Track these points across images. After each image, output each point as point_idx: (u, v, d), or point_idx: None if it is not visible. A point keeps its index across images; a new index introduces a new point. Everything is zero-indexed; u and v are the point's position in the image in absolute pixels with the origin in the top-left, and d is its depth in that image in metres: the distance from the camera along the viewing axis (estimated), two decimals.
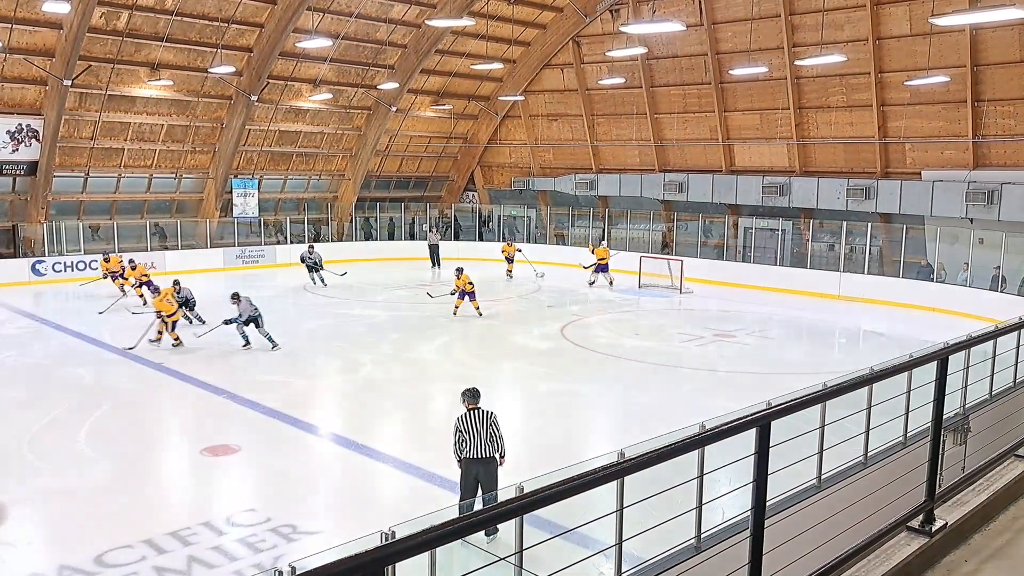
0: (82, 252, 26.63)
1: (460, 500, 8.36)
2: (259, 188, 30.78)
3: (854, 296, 24.18)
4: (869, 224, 25.09)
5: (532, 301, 23.98)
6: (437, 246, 31.11)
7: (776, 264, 27.21)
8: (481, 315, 20.16)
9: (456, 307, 20.44)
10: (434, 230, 32.56)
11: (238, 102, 27.74)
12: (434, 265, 30.43)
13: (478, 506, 2.61)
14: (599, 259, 26.50)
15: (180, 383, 14.12)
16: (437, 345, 17.49)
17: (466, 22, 25.34)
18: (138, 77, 25.69)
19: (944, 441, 5.25)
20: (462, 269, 20.71)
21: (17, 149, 24.47)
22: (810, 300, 24.30)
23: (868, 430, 5.49)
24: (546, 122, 34.05)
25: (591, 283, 26.52)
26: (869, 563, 4.41)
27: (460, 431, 8.27)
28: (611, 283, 26.29)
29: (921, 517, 5.00)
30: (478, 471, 8.20)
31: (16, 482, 9.72)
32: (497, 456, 8.26)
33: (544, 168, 34.88)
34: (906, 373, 5.21)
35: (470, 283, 20.25)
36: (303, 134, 31.00)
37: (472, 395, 8.44)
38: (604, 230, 31.92)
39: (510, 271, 28.23)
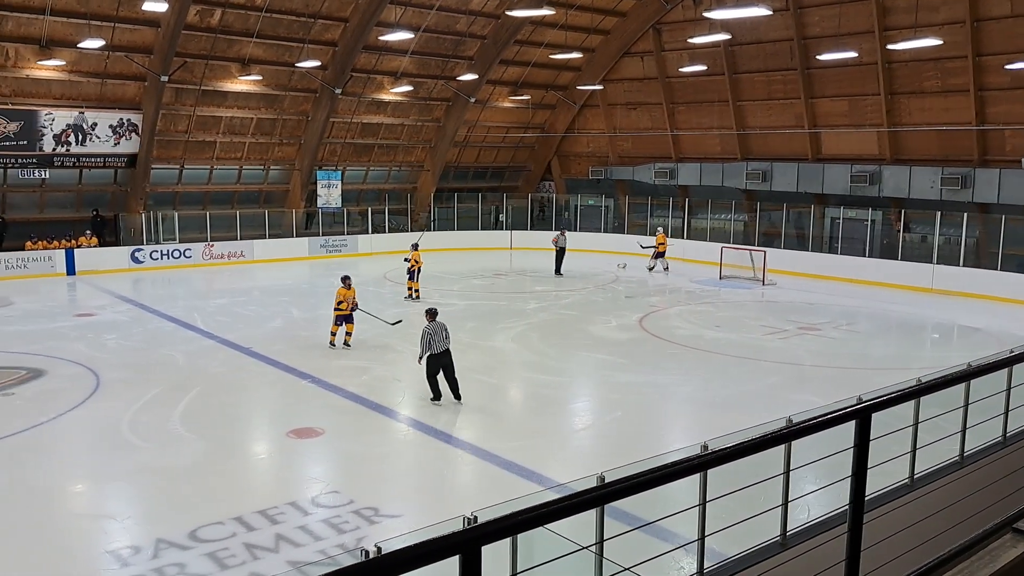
0: (177, 241, 27.75)
1: (430, 386, 12.27)
2: (342, 179, 31.47)
3: (948, 289, 23.20)
4: (965, 214, 23.98)
5: (610, 292, 23.83)
6: (564, 250, 26.65)
7: (865, 255, 26.33)
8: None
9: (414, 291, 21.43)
10: (563, 232, 27.65)
11: (323, 95, 28.40)
12: (558, 272, 26.30)
13: (558, 494, 2.62)
14: (658, 243, 27.10)
15: (268, 367, 14.59)
16: (513, 334, 17.58)
17: (545, 12, 25.26)
18: (230, 72, 26.58)
19: None
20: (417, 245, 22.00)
21: (118, 143, 25.68)
22: (901, 293, 23.42)
23: (964, 429, 5.29)
24: (625, 111, 33.70)
25: (650, 268, 27.13)
26: (972, 564, 4.24)
27: (430, 335, 12.11)
28: (666, 269, 26.82)
29: None
30: (445, 361, 12.22)
31: (117, 459, 10.24)
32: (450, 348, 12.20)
33: (622, 157, 34.56)
34: (1006, 370, 4.99)
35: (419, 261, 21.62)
36: (384, 126, 31.51)
37: (433, 313, 12.51)
38: (684, 220, 31.46)
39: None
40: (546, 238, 32.97)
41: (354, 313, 15.93)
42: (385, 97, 30.40)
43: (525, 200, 36.21)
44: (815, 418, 3.16)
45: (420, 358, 12.41)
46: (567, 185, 37.06)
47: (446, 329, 12.34)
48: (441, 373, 12.27)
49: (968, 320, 20.26)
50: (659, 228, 28.84)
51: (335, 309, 15.90)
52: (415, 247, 22.03)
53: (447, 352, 12.25)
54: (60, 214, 26.80)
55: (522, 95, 33.35)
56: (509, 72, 32.18)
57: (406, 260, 21.90)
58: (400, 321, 16.79)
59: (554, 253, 26.55)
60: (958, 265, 23.84)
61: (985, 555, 4.29)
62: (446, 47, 29.75)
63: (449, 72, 30.65)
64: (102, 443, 10.87)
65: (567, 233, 27.44)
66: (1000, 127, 23.95)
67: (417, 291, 21.60)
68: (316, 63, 26.40)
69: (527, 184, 37.71)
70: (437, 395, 12.39)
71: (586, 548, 3.52)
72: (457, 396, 12.41)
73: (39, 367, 14.27)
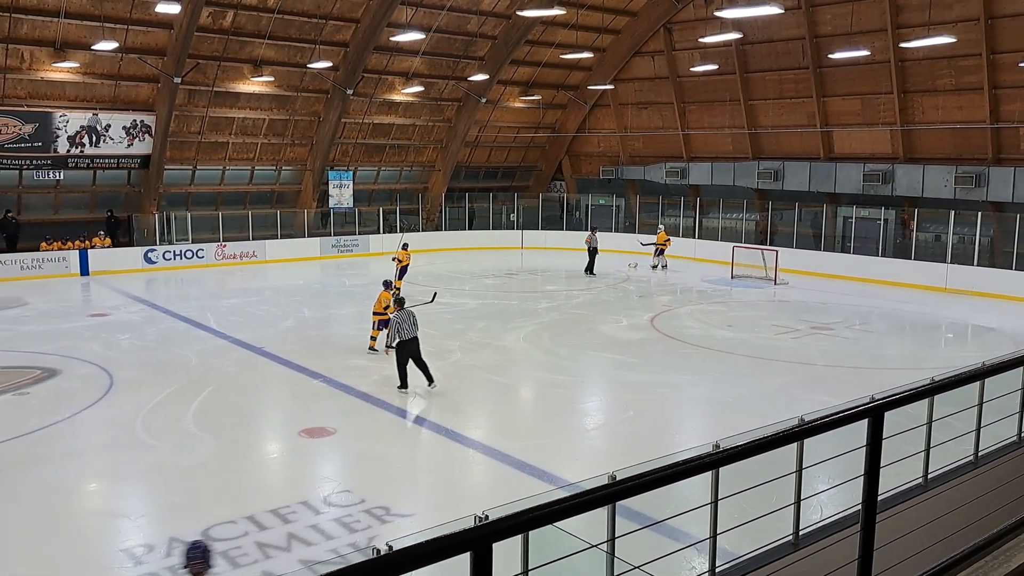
0: (190, 241, 27.90)
1: (399, 374, 12.92)
2: (354, 179, 31.56)
3: (962, 289, 23.04)
4: (979, 213, 23.81)
5: (621, 291, 23.80)
6: (596, 250, 26.54)
7: (878, 255, 26.18)
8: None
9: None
10: (595, 230, 27.65)
11: (334, 96, 28.49)
12: (588, 272, 26.23)
13: (569, 492, 2.62)
14: (659, 242, 27.28)
15: (279, 367, 14.65)
16: (525, 334, 17.58)
17: (556, 11, 25.26)
18: (242, 74, 26.71)
19: None
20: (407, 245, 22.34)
21: (132, 144, 25.85)
22: (914, 292, 23.28)
23: (979, 428, 5.26)
24: (636, 110, 33.64)
25: (653, 267, 27.32)
26: (986, 564, 4.22)
27: (399, 323, 12.80)
28: (663, 267, 27.06)
29: None
30: (414, 348, 12.87)
31: (130, 458, 10.31)
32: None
33: (633, 157, 34.50)
34: (1021, 369, 4.95)
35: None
36: (395, 126, 31.59)
37: (400, 300, 13.38)
38: (695, 219, 31.39)
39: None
40: (559, 238, 33.06)
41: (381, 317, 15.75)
42: (396, 97, 30.47)
43: (536, 200, 36.21)
44: (827, 416, 3.14)
45: (388, 346, 13.69)
46: (578, 185, 37.03)
47: (414, 316, 13.08)
48: (411, 362, 12.97)
49: (982, 320, 20.12)
50: (660, 226, 28.86)
51: (375, 313, 15.66)
52: (405, 247, 22.38)
53: (415, 339, 12.95)
54: (74, 215, 27.00)
55: (533, 95, 33.36)
56: (520, 72, 32.19)
57: (395, 260, 22.23)
58: (435, 293, 16.94)
59: (586, 253, 26.44)
60: (972, 264, 23.66)
61: (999, 555, 4.27)
62: (457, 47, 29.79)
63: (460, 72, 30.69)
64: (116, 442, 10.95)
65: (598, 233, 27.47)
66: (1015, 125, 23.77)
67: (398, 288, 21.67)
68: (327, 64, 26.49)
69: (538, 184, 37.70)
70: (404, 384, 12.96)
71: (597, 546, 3.52)
72: (430, 380, 12.98)
73: (54, 367, 14.38)
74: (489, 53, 30.37)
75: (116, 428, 11.41)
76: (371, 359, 15.27)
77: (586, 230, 32.40)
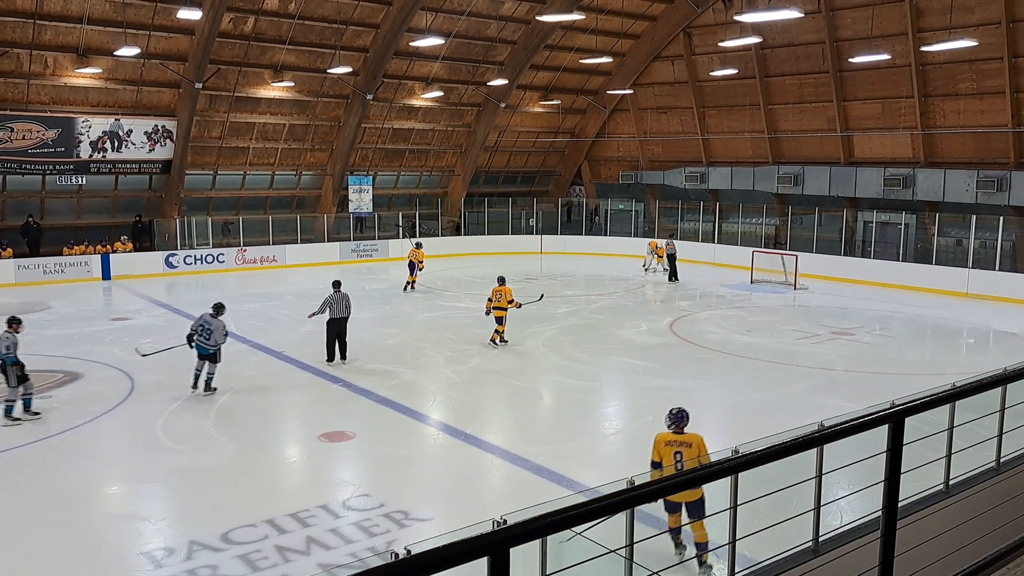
0: (211, 246, 28.14)
1: (327, 348, 14.87)
2: (373, 184, 31.70)
3: (984, 294, 22.78)
4: (1001, 218, 23.54)
5: (639, 296, 23.73)
6: (675, 256, 26.19)
7: (898, 260, 25.94)
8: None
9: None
10: (673, 236, 27.43)
11: (354, 101, 28.65)
12: (672, 278, 25.83)
13: (587, 497, 2.62)
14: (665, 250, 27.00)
15: (299, 371, 14.74)
16: (544, 339, 17.57)
17: (576, 16, 25.31)
18: (262, 79, 26.92)
19: None
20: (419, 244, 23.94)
21: (153, 149, 26.14)
22: (935, 298, 23.05)
23: (1001, 434, 5.20)
24: (655, 115, 33.58)
25: (652, 270, 27.48)
26: (1009, 572, 4.17)
27: (330, 303, 14.80)
28: (650, 270, 27.22)
29: None
30: (340, 327, 14.85)
31: (151, 461, 10.40)
32: (347, 318, 15.01)
33: (653, 161, 34.44)
34: None
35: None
36: (415, 131, 31.71)
37: (337, 284, 15.18)
38: (715, 224, 31.25)
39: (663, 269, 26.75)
40: (575, 243, 33.01)
41: (505, 312, 16.52)
42: (416, 102, 30.60)
43: (555, 204, 36.21)
44: (848, 422, 3.13)
45: (312, 315, 15.29)
46: (597, 189, 37.01)
47: (348, 300, 15.03)
48: (337, 340, 14.97)
49: (1004, 325, 19.89)
50: (666, 240, 28.27)
51: (497, 308, 16.46)
52: (419, 246, 24.29)
53: (344, 320, 14.94)
54: (97, 219, 27.31)
55: (552, 100, 33.38)
56: (539, 77, 32.23)
57: (417, 261, 23.81)
58: (542, 295, 18.60)
59: (666, 261, 26.24)
60: (994, 269, 23.41)
61: (1022, 562, 4.22)
62: (476, 52, 29.87)
63: (479, 77, 30.77)
64: (137, 445, 11.05)
65: (676, 241, 27.15)
66: None
67: (414, 283, 23.99)
68: (348, 69, 26.64)
69: (557, 188, 37.70)
70: (331, 357, 14.92)
71: (615, 552, 3.52)
72: (344, 357, 15.00)
73: (76, 370, 14.55)
74: (508, 58, 30.44)
75: (137, 431, 11.52)
76: (391, 364, 15.32)
77: (605, 235, 32.35)
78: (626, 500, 2.66)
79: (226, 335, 13.20)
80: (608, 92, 33.24)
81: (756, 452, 2.92)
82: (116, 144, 25.49)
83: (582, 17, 26.25)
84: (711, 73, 29.90)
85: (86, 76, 24.18)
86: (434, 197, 34.48)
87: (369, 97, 28.36)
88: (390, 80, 28.89)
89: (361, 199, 31.33)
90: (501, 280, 16.92)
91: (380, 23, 26.85)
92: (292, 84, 27.29)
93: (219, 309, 13.24)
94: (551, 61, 31.57)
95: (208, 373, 12.99)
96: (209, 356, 12.92)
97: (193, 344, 12.93)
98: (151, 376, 14.23)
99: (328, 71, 26.75)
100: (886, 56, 23.90)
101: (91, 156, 25.22)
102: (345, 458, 10.82)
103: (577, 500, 2.52)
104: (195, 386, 12.98)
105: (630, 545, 3.69)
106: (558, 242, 33.48)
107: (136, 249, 26.85)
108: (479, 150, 33.31)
